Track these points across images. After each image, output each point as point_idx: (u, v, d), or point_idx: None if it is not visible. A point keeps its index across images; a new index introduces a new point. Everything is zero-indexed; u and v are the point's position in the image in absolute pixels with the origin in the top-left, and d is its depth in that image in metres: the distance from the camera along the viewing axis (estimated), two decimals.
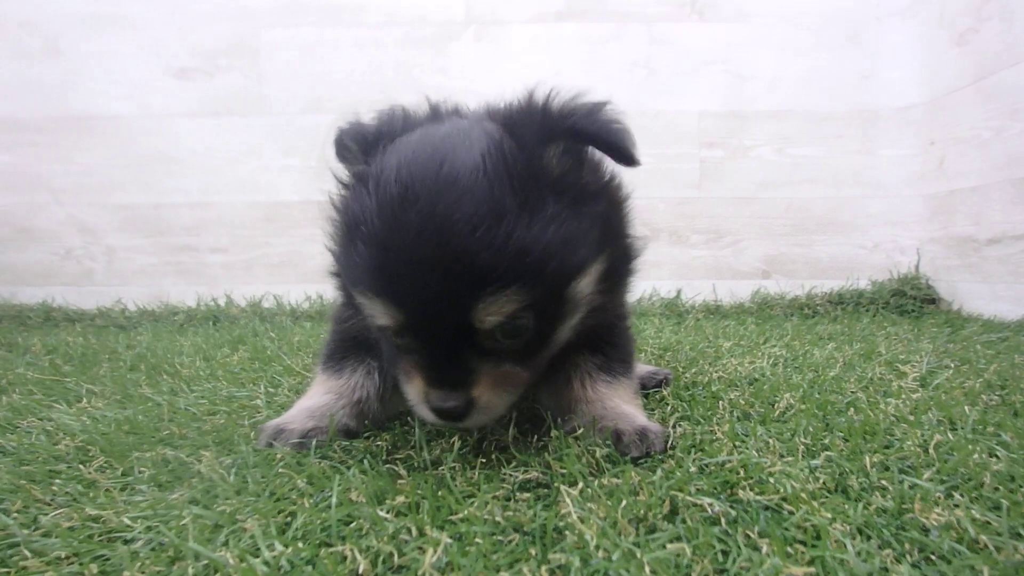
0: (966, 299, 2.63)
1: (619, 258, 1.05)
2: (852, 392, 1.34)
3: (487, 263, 0.81)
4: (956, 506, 0.77)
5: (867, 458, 0.94)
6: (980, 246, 2.52)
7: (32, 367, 1.79)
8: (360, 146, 0.97)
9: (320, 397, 1.14)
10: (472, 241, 0.80)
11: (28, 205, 3.17)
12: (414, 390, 0.92)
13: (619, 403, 1.10)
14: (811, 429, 1.06)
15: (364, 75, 3.14)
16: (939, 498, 0.79)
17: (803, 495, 0.81)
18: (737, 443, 1.01)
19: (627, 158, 0.93)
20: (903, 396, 1.29)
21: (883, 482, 0.88)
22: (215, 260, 3.19)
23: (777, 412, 1.20)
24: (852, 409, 1.20)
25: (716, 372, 1.56)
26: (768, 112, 3.05)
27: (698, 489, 0.85)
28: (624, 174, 3.12)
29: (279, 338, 2.31)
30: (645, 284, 3.09)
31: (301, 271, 3.17)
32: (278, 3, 3.10)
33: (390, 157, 0.89)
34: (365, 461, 1.00)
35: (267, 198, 3.12)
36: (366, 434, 1.13)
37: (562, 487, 0.84)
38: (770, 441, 1.03)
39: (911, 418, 1.14)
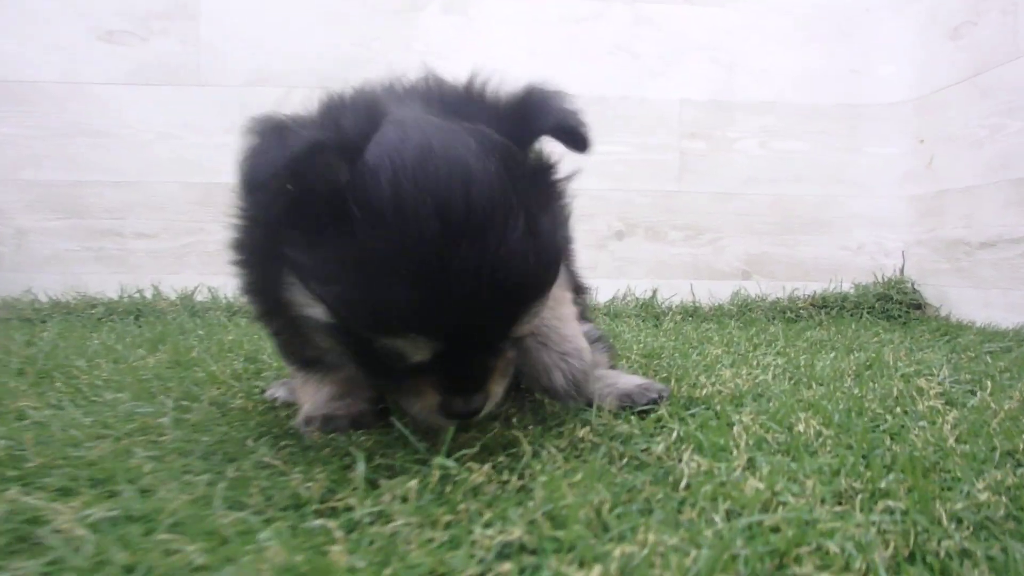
0: (956, 305, 2.53)
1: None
2: (877, 412, 1.15)
3: (532, 285, 0.83)
4: None
5: (938, 508, 0.74)
6: (972, 250, 2.42)
7: None
8: (347, 161, 0.78)
9: (329, 389, 1.06)
10: (521, 269, 0.80)
11: None
12: (426, 405, 0.88)
13: (557, 324, 1.06)
14: (858, 467, 0.86)
15: (318, 46, 2.83)
16: None
17: None
18: (770, 487, 0.81)
19: (587, 147, 0.91)
20: (938, 418, 1.11)
21: (967, 544, 0.68)
22: (142, 247, 2.84)
23: (801, 439, 1.00)
24: (888, 437, 1.01)
25: (714, 385, 1.36)
26: (754, 103, 2.89)
27: (745, 559, 0.63)
28: (606, 167, 2.83)
29: (208, 337, 2.01)
30: (619, 283, 2.90)
31: None
32: None
33: (395, 175, 0.76)
34: (289, 513, 0.75)
35: (203, 179, 2.79)
36: (297, 470, 0.88)
37: (560, 567, 0.60)
38: (807, 483, 0.83)
39: (962, 448, 0.95)
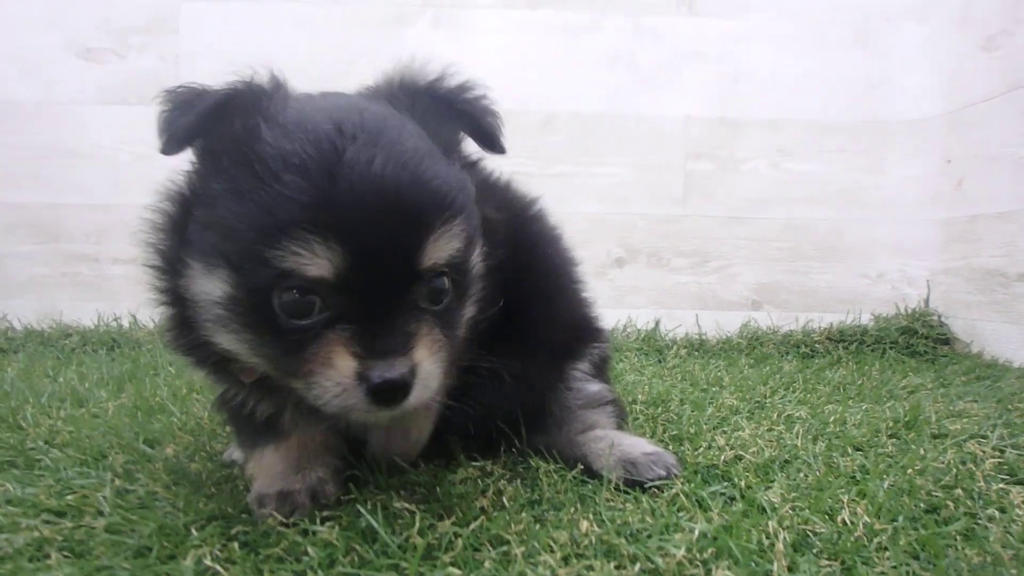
0: (990, 342, 2.31)
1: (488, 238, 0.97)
2: (932, 494, 0.95)
3: (438, 191, 0.81)
4: None
5: None
6: (1009, 281, 2.21)
7: None
8: (258, 111, 0.82)
9: (283, 460, 0.96)
10: (422, 169, 0.80)
11: None
12: (339, 373, 0.76)
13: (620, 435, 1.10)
14: None
15: (301, 61, 2.69)
16: None
17: None
18: None
19: (499, 148, 0.94)
20: (1005, 503, 0.92)
21: None
22: (118, 273, 2.72)
23: (851, 539, 0.81)
24: (960, 538, 0.81)
25: (731, 448, 1.16)
26: (764, 120, 2.70)
27: None
28: (605, 189, 2.61)
29: (178, 375, 1.89)
30: (620, 313, 2.71)
31: None
32: None
33: (292, 110, 0.83)
34: None
35: None
36: None
37: None
38: None
39: None
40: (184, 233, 0.84)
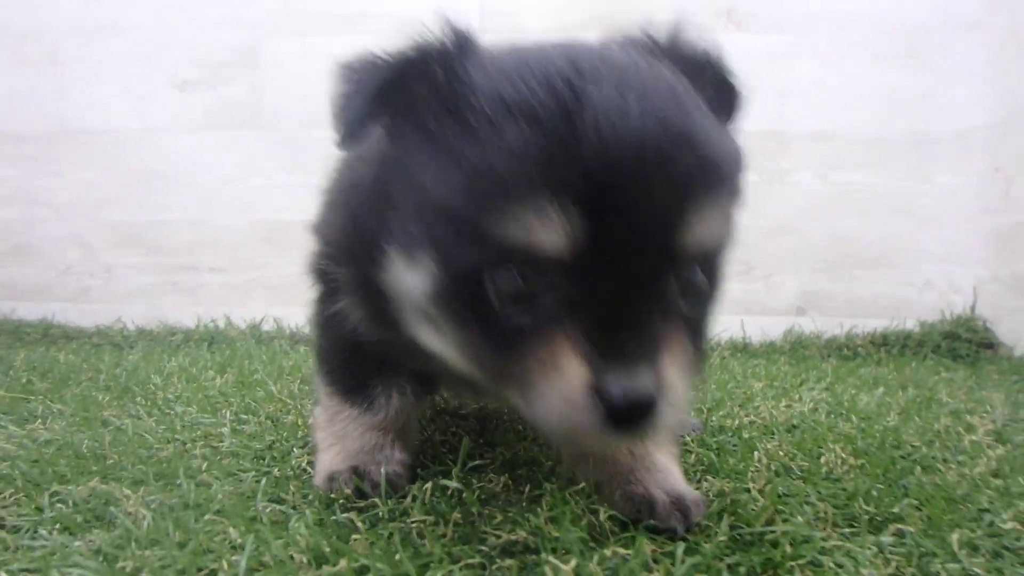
0: None
1: None
2: (914, 446, 1.13)
3: (708, 151, 0.62)
4: None
5: (952, 535, 0.74)
6: None
7: (2, 384, 1.67)
8: (447, 67, 0.69)
9: (360, 437, 0.92)
10: (687, 120, 0.62)
11: (27, 220, 3.12)
12: (567, 384, 0.58)
13: (651, 450, 0.85)
14: (874, 493, 0.86)
15: None
16: None
17: None
18: (779, 507, 0.82)
19: (736, 120, 0.80)
20: (981, 454, 1.08)
21: (977, 569, 0.68)
22: (214, 280, 3.05)
23: (825, 468, 1.00)
24: (919, 468, 0.99)
25: (747, 416, 1.36)
26: (810, 133, 2.80)
27: (730, 567, 0.66)
28: None
29: (271, 362, 2.18)
30: None
31: (302, 294, 3.00)
32: (282, 10, 3.00)
33: (506, 53, 0.70)
34: (321, 509, 0.83)
35: (268, 217, 3.01)
36: None
37: (552, 559, 0.65)
38: (820, 506, 0.84)
39: (997, 482, 0.93)
40: (381, 219, 0.71)
